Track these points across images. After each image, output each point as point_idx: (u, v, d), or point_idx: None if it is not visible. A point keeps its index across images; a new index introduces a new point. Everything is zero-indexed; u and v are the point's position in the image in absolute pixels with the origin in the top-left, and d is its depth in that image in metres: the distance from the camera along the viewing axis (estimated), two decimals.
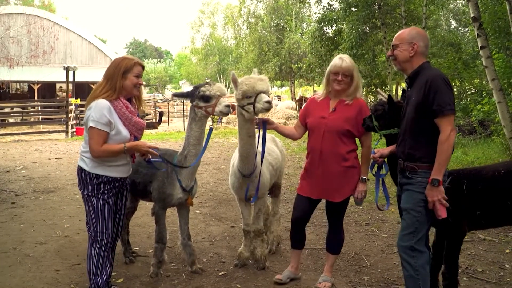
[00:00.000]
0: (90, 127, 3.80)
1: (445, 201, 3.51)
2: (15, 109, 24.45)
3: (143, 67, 4.07)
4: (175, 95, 5.04)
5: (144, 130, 4.26)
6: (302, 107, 4.83)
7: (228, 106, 4.45)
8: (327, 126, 4.34)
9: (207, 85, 4.47)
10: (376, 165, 4.27)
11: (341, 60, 4.38)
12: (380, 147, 4.47)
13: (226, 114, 4.55)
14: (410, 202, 3.68)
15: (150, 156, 4.10)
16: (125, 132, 3.93)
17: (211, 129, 4.69)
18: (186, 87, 62.08)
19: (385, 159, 4.16)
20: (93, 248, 3.97)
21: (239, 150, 4.71)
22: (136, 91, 4.05)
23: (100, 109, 3.79)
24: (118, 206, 4.17)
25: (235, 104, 4.64)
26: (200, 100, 4.45)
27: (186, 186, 4.65)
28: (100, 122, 3.77)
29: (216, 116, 4.56)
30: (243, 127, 4.64)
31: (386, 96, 4.31)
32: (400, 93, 4.46)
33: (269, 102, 4.38)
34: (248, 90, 4.40)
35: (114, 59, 4.14)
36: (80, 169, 3.96)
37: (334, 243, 4.65)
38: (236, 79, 4.51)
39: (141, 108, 4.27)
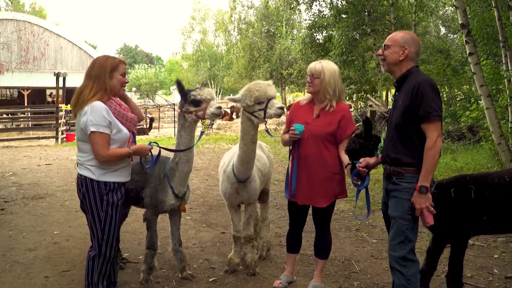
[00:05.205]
0: (92, 132, 3.63)
1: (432, 208, 3.49)
2: (4, 115, 24.32)
3: (125, 65, 3.97)
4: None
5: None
6: (288, 113, 4.83)
7: (219, 107, 4.48)
8: (311, 132, 4.37)
9: (197, 90, 4.49)
10: (360, 175, 4.02)
11: (315, 63, 4.45)
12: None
13: (218, 116, 4.56)
14: (398, 210, 3.63)
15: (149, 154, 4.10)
16: (125, 130, 3.82)
17: (202, 132, 4.75)
18: (177, 93, 62.01)
19: (369, 172, 4.04)
20: (96, 261, 3.81)
21: (241, 155, 4.67)
22: (122, 90, 3.96)
23: (98, 112, 3.64)
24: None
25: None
26: (191, 105, 4.46)
27: (178, 192, 4.64)
28: (101, 124, 3.63)
29: (206, 122, 4.58)
30: (248, 133, 4.59)
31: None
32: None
33: (281, 108, 4.40)
34: (261, 95, 4.39)
35: (95, 59, 3.95)
36: (84, 178, 3.76)
37: (322, 248, 4.68)
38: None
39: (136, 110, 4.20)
